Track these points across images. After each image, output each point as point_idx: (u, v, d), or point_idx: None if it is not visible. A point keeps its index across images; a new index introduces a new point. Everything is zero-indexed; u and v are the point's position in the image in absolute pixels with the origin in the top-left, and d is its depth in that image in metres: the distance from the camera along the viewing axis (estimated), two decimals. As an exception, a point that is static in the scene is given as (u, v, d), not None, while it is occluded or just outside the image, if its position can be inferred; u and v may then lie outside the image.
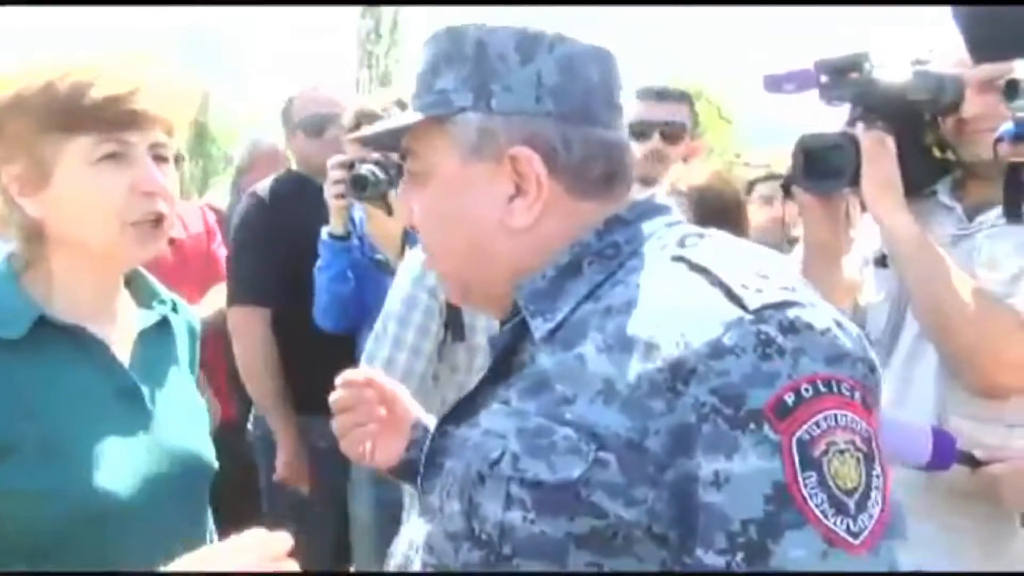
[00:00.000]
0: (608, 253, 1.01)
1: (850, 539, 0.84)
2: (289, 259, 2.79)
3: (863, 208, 1.91)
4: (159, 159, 1.32)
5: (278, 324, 2.93)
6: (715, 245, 1.00)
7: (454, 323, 2.17)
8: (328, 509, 2.90)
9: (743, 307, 0.89)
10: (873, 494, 0.87)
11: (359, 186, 2.47)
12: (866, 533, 0.85)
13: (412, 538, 1.06)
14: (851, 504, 0.85)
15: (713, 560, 0.85)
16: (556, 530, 0.90)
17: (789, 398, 0.85)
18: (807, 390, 0.86)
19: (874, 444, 0.88)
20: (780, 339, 0.87)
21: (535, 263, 1.03)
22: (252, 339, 2.89)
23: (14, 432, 1.22)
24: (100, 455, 1.25)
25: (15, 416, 1.22)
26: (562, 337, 0.98)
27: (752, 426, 0.85)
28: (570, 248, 1.02)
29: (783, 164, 2.67)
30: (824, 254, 1.96)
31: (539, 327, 1.00)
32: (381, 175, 2.47)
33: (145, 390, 1.34)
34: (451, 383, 2.22)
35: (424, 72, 1.06)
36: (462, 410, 1.06)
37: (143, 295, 1.45)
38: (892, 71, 1.84)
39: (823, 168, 1.86)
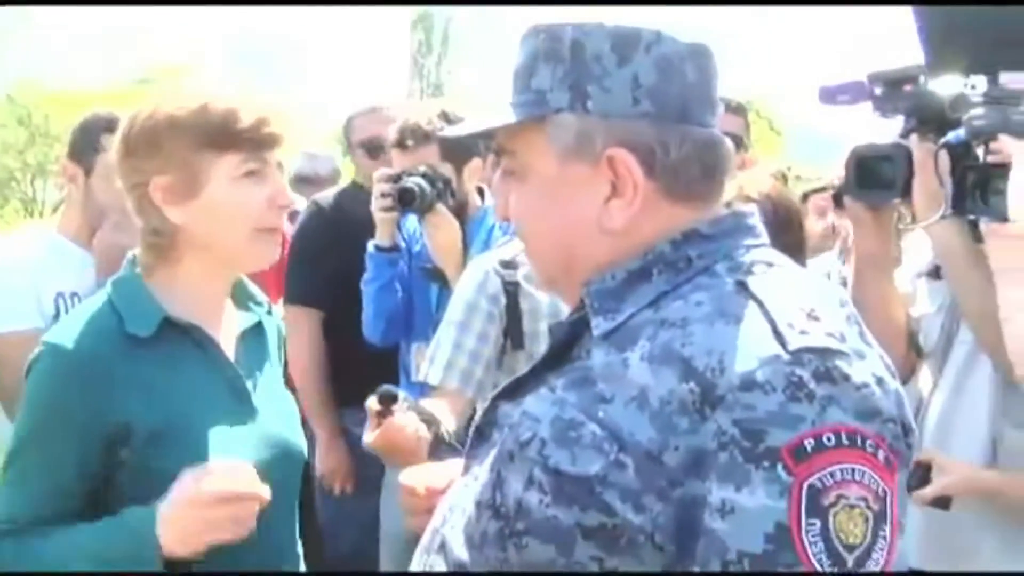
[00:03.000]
0: (679, 265, 1.02)
1: None
2: (344, 267, 2.84)
3: (913, 219, 1.90)
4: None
5: (330, 328, 3.01)
6: (780, 277, 1.01)
7: (514, 331, 2.16)
8: (364, 501, 2.89)
9: (783, 346, 0.90)
10: (875, 555, 0.87)
11: (405, 199, 2.50)
12: None
13: (452, 501, 1.10)
14: (850, 560, 0.86)
15: None
16: (567, 518, 0.92)
17: (808, 443, 0.86)
18: (829, 439, 0.87)
19: (888, 505, 0.89)
20: (812, 385, 0.88)
21: (626, 263, 1.04)
22: (302, 337, 2.94)
23: (140, 420, 1.36)
24: (214, 444, 1.39)
25: (143, 406, 1.37)
26: (617, 339, 1.00)
27: (766, 463, 0.86)
28: (643, 255, 1.03)
29: (833, 178, 2.66)
30: (875, 265, 1.96)
31: (599, 325, 1.02)
32: (428, 188, 2.50)
33: (250, 385, 1.50)
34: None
35: (521, 69, 1.07)
36: (514, 389, 1.10)
37: (241, 297, 1.57)
38: (946, 83, 1.83)
39: (875, 179, 1.86)
